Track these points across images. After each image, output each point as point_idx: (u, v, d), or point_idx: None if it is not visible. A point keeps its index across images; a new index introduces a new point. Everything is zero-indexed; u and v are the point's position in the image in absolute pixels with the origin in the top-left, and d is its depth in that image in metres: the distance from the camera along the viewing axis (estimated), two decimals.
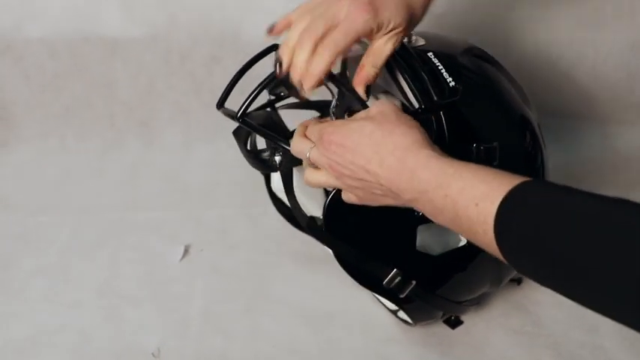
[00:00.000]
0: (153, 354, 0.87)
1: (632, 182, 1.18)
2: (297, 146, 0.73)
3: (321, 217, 0.77)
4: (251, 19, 1.22)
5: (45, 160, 1.26)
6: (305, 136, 0.73)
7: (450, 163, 0.62)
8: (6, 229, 1.11)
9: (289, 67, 0.71)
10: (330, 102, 0.78)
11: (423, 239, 0.78)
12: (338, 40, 0.69)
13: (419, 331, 0.90)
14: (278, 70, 0.75)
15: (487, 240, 0.57)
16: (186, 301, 0.95)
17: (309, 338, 0.89)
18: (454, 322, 0.90)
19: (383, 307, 0.93)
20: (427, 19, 1.18)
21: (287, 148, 0.74)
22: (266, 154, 0.83)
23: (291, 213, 0.96)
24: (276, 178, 0.92)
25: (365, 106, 0.72)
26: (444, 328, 0.90)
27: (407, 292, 0.78)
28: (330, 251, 0.82)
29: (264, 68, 0.90)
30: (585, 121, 1.27)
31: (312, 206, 0.94)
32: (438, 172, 0.62)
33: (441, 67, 0.77)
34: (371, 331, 0.90)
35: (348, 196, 0.72)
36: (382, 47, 0.72)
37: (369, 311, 0.93)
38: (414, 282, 0.78)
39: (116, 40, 1.23)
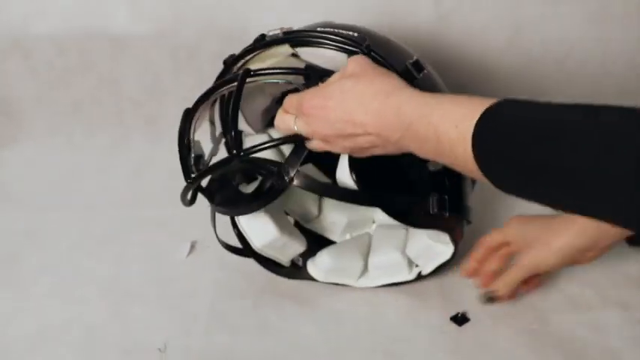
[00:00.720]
0: (159, 350, 0.87)
1: None
2: (282, 123, 0.76)
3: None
4: (258, 15, 1.22)
5: (52, 156, 1.27)
6: (286, 112, 0.76)
7: (431, 95, 0.67)
8: (14, 225, 1.11)
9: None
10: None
11: None
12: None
13: (426, 330, 0.89)
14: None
15: (467, 159, 0.61)
16: (193, 298, 0.95)
17: (316, 336, 0.89)
18: (461, 320, 0.90)
19: (392, 303, 0.94)
20: (434, 17, 1.18)
21: (292, 139, 0.77)
22: (270, 182, 0.83)
23: (280, 267, 0.96)
24: (254, 236, 0.91)
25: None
26: (452, 327, 0.90)
27: (447, 208, 0.84)
28: (327, 282, 0.95)
29: None
30: None
31: (296, 244, 0.94)
32: (421, 103, 0.66)
33: (337, 31, 0.85)
34: (379, 330, 0.90)
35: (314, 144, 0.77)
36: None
37: (377, 309, 0.93)
38: (446, 197, 0.84)
39: (123, 37, 1.23)
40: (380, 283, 0.96)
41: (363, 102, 0.68)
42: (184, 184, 1.14)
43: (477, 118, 0.60)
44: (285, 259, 0.94)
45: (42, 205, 1.16)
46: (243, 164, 0.81)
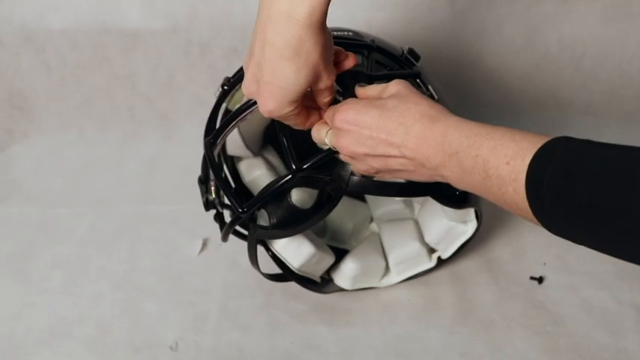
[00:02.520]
0: (171, 347, 0.87)
1: None
2: (316, 132, 0.72)
3: None
4: None
5: (64, 151, 1.27)
6: (324, 122, 0.72)
7: (480, 125, 0.62)
8: (25, 221, 1.11)
9: None
10: None
11: None
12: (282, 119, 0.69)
13: (439, 330, 0.89)
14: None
15: (518, 199, 0.56)
16: (205, 295, 0.95)
17: (327, 335, 0.89)
18: (540, 279, 0.96)
19: (404, 304, 0.93)
20: (450, 15, 1.17)
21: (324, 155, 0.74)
22: (326, 191, 0.80)
23: (315, 284, 0.94)
24: (292, 257, 0.89)
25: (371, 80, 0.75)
26: (463, 328, 0.89)
27: None
28: (355, 288, 0.95)
29: None
30: (610, 120, 1.25)
31: (328, 257, 0.93)
32: (469, 133, 0.61)
33: (350, 32, 0.86)
34: (390, 329, 0.90)
35: (359, 168, 0.71)
36: (319, 95, 0.70)
37: (388, 308, 0.93)
38: None
39: (137, 32, 1.22)
40: (402, 278, 0.95)
41: (404, 123, 0.64)
42: (195, 180, 1.13)
43: (530, 156, 0.55)
44: (317, 274, 0.94)
45: (54, 200, 1.16)
46: (298, 180, 0.76)
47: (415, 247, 0.94)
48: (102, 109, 1.28)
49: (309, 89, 0.67)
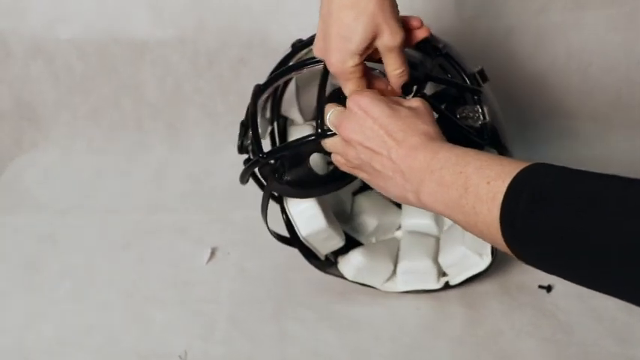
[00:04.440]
0: (179, 356, 0.87)
1: None
2: (328, 107, 0.74)
3: None
4: (278, 22, 1.22)
5: (73, 161, 1.27)
6: (335, 103, 0.74)
7: (473, 150, 0.63)
8: (35, 231, 1.11)
9: None
10: None
11: None
12: (343, 83, 0.74)
13: (447, 340, 0.89)
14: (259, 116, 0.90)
15: (490, 219, 0.56)
16: (213, 304, 0.95)
17: (336, 343, 0.89)
18: (548, 288, 0.95)
19: (412, 313, 0.93)
20: (457, 23, 1.18)
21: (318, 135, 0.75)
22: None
23: (320, 260, 0.95)
24: (301, 225, 0.90)
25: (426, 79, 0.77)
26: (473, 338, 0.89)
27: None
28: (355, 281, 0.95)
29: None
30: (616, 128, 1.25)
31: (338, 238, 0.93)
32: (460, 153, 0.62)
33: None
34: (398, 338, 0.89)
35: (337, 159, 0.75)
36: (387, 59, 0.73)
37: (397, 317, 0.93)
38: None
39: (144, 42, 1.23)
40: (405, 289, 0.95)
41: (405, 131, 0.66)
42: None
43: (511, 178, 0.55)
44: (323, 251, 0.94)
45: (62, 209, 1.16)
46: (318, 145, 0.77)
47: (426, 264, 0.94)
48: (110, 118, 1.28)
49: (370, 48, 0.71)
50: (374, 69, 0.77)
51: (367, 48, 0.70)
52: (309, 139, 0.77)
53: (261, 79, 0.89)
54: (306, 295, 0.95)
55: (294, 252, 1.02)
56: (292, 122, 0.96)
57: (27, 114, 1.28)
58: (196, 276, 1.01)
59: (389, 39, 0.70)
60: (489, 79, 0.87)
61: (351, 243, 0.98)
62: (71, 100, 1.27)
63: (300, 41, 0.91)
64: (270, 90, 0.88)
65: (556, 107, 1.25)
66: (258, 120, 0.90)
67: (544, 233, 0.51)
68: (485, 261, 0.90)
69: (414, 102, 0.71)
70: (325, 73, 0.77)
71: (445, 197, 0.61)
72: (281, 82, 0.88)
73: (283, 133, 0.95)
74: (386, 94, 0.74)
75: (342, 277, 0.95)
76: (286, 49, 0.91)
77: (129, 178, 1.23)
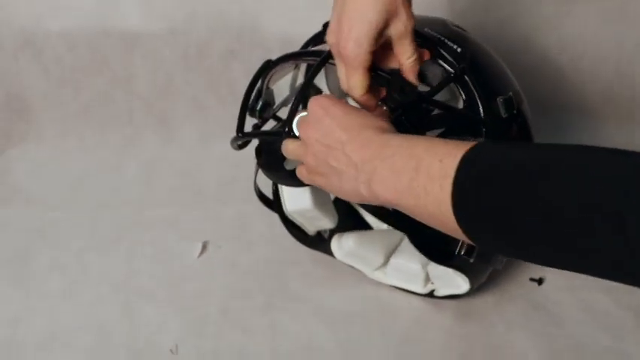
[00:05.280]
0: (171, 350, 0.87)
1: None
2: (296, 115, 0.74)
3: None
4: (269, 14, 1.21)
5: (63, 155, 1.26)
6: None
7: (423, 136, 0.63)
8: (24, 225, 1.11)
9: None
10: None
11: None
12: (350, 72, 0.73)
13: (438, 332, 0.89)
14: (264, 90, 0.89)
15: (442, 196, 0.55)
16: (205, 298, 0.95)
17: (328, 337, 0.89)
18: (539, 280, 0.96)
19: (404, 305, 0.93)
20: (449, 14, 1.17)
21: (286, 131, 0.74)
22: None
23: (304, 234, 0.95)
24: (288, 199, 0.92)
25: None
26: (464, 330, 0.89)
27: (474, 255, 0.80)
28: (344, 262, 0.94)
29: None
30: (608, 122, 1.26)
31: (326, 220, 0.93)
32: (411, 138, 0.63)
33: (443, 37, 0.80)
34: (390, 331, 0.90)
35: (299, 170, 0.74)
36: (399, 45, 0.73)
37: (389, 310, 0.93)
38: None
39: (135, 35, 1.22)
40: (392, 284, 0.95)
41: (362, 125, 0.66)
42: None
43: (462, 154, 0.54)
44: (311, 229, 0.95)
45: (53, 204, 1.15)
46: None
47: (416, 267, 0.93)
48: (100, 112, 1.28)
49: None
50: None
51: (381, 35, 0.71)
52: (275, 131, 0.79)
53: (252, 71, 0.89)
54: (298, 288, 0.95)
55: (286, 246, 1.02)
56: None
57: (16, 107, 1.27)
58: (188, 270, 1.00)
59: (403, 23, 0.71)
60: (523, 111, 0.81)
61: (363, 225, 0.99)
62: (61, 93, 1.26)
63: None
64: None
65: (548, 100, 1.25)
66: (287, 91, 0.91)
67: (494, 210, 0.51)
68: (465, 287, 0.89)
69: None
70: (315, 70, 0.77)
71: (396, 183, 0.60)
72: (290, 63, 0.87)
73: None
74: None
75: (330, 254, 0.96)
76: (319, 29, 0.90)
77: (119, 172, 1.23)
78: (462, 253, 0.80)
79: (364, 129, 0.66)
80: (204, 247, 1.04)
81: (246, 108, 0.87)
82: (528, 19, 1.19)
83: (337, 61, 0.75)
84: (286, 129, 0.74)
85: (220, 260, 1.02)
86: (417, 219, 0.61)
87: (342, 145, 0.66)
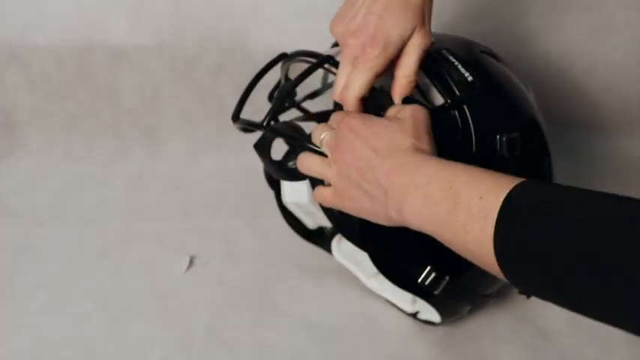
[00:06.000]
0: None
1: None
2: (316, 132, 0.72)
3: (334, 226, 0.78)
4: (257, 28, 1.21)
5: (49, 168, 1.26)
6: (328, 125, 0.72)
7: (460, 163, 0.61)
8: (10, 239, 1.10)
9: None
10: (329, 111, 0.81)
11: None
12: (360, 73, 0.70)
13: (426, 346, 0.88)
14: (283, 80, 0.85)
15: (483, 237, 0.53)
16: (191, 314, 0.94)
17: (315, 353, 0.88)
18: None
19: (392, 320, 0.92)
20: (437, 28, 1.17)
21: (317, 148, 0.73)
22: (292, 163, 0.81)
23: (302, 227, 0.96)
24: (287, 190, 0.91)
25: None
26: (452, 344, 0.89)
27: (440, 288, 0.77)
28: (341, 263, 0.92)
29: (272, 76, 0.89)
30: (596, 132, 1.26)
31: (324, 217, 0.93)
32: (447, 166, 0.60)
33: (456, 63, 0.77)
34: (378, 346, 0.89)
35: (321, 192, 0.72)
36: (407, 58, 0.71)
37: (377, 325, 0.92)
38: (447, 277, 0.77)
39: (122, 49, 1.22)
40: (385, 296, 0.94)
41: (392, 147, 0.65)
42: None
43: (504, 194, 0.52)
44: (308, 224, 0.95)
45: (39, 218, 1.14)
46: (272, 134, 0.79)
47: None
48: (87, 125, 1.27)
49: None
50: None
51: (407, 42, 0.70)
52: (299, 140, 0.75)
53: (241, 86, 0.88)
54: (286, 305, 0.94)
55: (274, 261, 1.02)
56: None
57: (2, 121, 1.26)
58: (174, 285, 0.99)
59: (420, 37, 0.70)
60: (518, 150, 0.76)
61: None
62: (47, 107, 1.26)
63: None
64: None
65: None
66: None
67: (539, 258, 0.49)
68: (437, 318, 0.87)
69: (407, 111, 0.69)
70: (307, 72, 0.76)
71: (432, 214, 0.59)
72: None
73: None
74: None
75: (329, 251, 0.97)
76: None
77: (106, 186, 1.22)
78: (426, 283, 0.77)
79: (394, 151, 0.64)
80: (191, 261, 1.04)
81: (248, 94, 0.83)
82: (515, 32, 1.19)
83: (346, 62, 0.71)
84: (306, 143, 0.73)
85: (207, 275, 1.01)
86: (455, 251, 0.59)
87: (373, 168, 0.65)
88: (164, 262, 1.04)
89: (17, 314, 0.95)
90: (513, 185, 0.53)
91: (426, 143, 0.66)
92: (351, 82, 0.70)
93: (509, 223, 0.51)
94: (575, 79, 1.23)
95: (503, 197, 0.52)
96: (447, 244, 0.59)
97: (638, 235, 0.45)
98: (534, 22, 1.20)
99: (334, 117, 0.72)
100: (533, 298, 0.93)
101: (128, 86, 1.25)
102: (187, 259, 1.03)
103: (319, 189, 0.73)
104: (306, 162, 0.73)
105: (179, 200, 1.18)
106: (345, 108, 0.73)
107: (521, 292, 0.95)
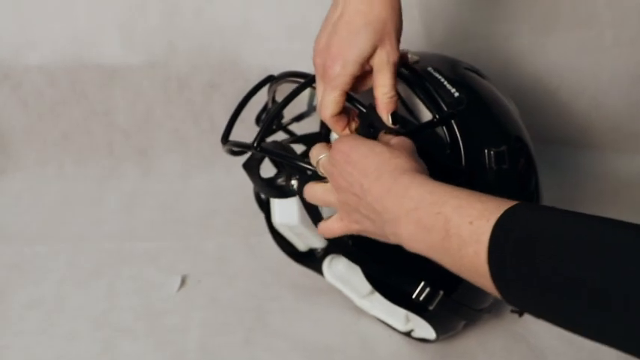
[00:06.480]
0: None
1: (632, 211, 1.17)
2: (314, 151, 0.73)
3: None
4: (250, 47, 1.22)
5: (42, 188, 1.26)
6: (327, 146, 0.73)
7: (446, 185, 0.61)
8: (1, 259, 1.09)
9: None
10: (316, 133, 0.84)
11: None
12: (328, 91, 0.72)
13: None
14: (270, 104, 0.87)
15: (478, 262, 0.53)
16: (183, 334, 0.94)
17: None
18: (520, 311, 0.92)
19: (384, 339, 0.92)
20: (427, 45, 1.19)
21: (309, 167, 0.73)
22: (281, 180, 0.82)
23: (293, 249, 0.96)
24: (277, 211, 0.91)
25: (387, 127, 0.73)
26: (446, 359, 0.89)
27: (435, 303, 0.78)
28: (333, 284, 0.92)
29: (261, 98, 0.90)
30: (585, 150, 1.27)
31: (315, 238, 0.93)
32: (433, 189, 0.60)
33: (442, 79, 0.79)
34: None
35: (326, 226, 0.73)
36: (381, 77, 0.72)
37: (370, 344, 0.92)
38: (441, 292, 0.78)
39: (114, 68, 1.23)
40: (377, 315, 0.94)
41: (379, 169, 0.65)
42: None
43: (495, 218, 0.52)
44: (301, 246, 0.95)
45: (31, 237, 1.14)
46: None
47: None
48: (80, 145, 1.27)
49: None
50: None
51: (367, 59, 0.70)
52: (245, 145, 0.77)
53: (233, 104, 0.89)
54: (278, 324, 0.94)
55: (266, 280, 1.02)
56: None
57: None
58: (167, 305, 0.99)
59: (386, 54, 0.70)
60: (506, 163, 0.77)
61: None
62: (40, 126, 1.26)
63: None
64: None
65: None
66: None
67: (536, 276, 0.49)
68: (433, 334, 0.87)
69: (395, 139, 0.71)
70: (295, 92, 0.78)
71: (427, 240, 0.59)
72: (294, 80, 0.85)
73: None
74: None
75: (320, 273, 0.97)
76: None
77: (99, 205, 1.22)
78: (421, 299, 0.77)
79: (381, 174, 0.64)
80: (184, 281, 1.04)
81: (236, 117, 0.85)
82: (504, 51, 1.20)
83: (319, 81, 0.74)
84: (296, 161, 0.75)
85: (200, 294, 1.01)
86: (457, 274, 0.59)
87: (365, 193, 0.65)
88: (157, 281, 1.04)
89: (9, 334, 0.94)
90: (503, 210, 0.53)
91: (407, 159, 0.66)
92: (322, 101, 0.73)
93: (501, 248, 0.52)
94: (565, 97, 1.23)
95: (494, 222, 0.53)
96: (448, 267, 0.59)
97: (625, 258, 0.45)
98: (523, 41, 1.21)
99: (334, 139, 0.73)
100: (526, 316, 0.95)
101: (121, 105, 1.25)
102: (179, 279, 1.03)
103: (323, 224, 0.74)
104: (310, 191, 0.74)
105: (172, 219, 1.18)
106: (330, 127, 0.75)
107: (513, 311, 0.96)
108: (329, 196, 0.71)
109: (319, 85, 0.74)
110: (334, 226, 0.72)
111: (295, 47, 1.16)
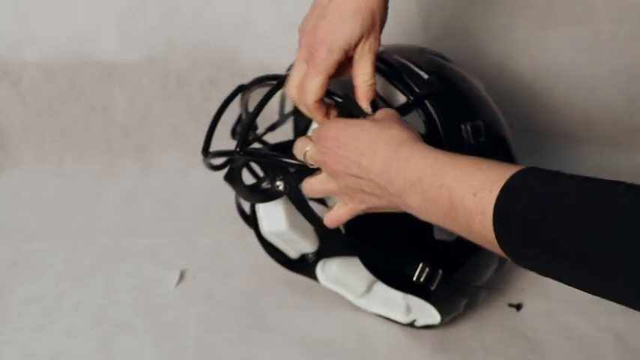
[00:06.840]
0: None
1: None
2: (298, 146, 0.73)
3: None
4: (248, 43, 1.22)
5: (41, 184, 1.26)
6: (309, 139, 0.73)
7: (446, 153, 0.62)
8: (0, 255, 1.09)
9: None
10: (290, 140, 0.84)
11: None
12: (312, 75, 0.72)
13: (418, 359, 0.88)
14: (244, 115, 0.89)
15: (485, 232, 0.55)
16: (181, 330, 0.94)
17: None
18: (517, 306, 0.94)
19: (382, 332, 0.92)
20: (424, 41, 1.19)
21: (297, 162, 0.73)
22: (265, 184, 0.81)
23: (285, 257, 0.95)
24: (265, 220, 0.91)
25: (366, 115, 0.73)
26: (443, 356, 0.89)
27: (436, 283, 0.79)
28: (328, 287, 0.93)
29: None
30: (583, 145, 1.27)
31: (305, 243, 0.93)
32: (434, 161, 0.61)
33: (411, 65, 0.82)
34: (369, 359, 0.89)
35: (332, 214, 0.73)
36: (361, 65, 0.73)
37: (367, 339, 0.92)
38: (440, 271, 0.78)
39: (113, 64, 1.23)
40: (376, 312, 0.95)
41: (374, 144, 0.65)
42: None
43: (498, 188, 0.54)
44: (292, 253, 0.95)
45: (29, 233, 1.14)
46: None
47: (396, 295, 0.91)
48: (78, 141, 1.27)
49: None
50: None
51: (353, 47, 0.71)
52: (294, 165, 0.75)
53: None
54: (276, 319, 0.94)
55: (263, 276, 1.02)
56: None
57: None
58: (165, 300, 0.99)
59: (370, 43, 0.71)
60: (483, 136, 0.81)
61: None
62: (39, 122, 1.26)
63: None
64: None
65: (523, 125, 1.26)
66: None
67: (543, 244, 0.51)
68: (439, 318, 0.88)
69: (381, 113, 0.71)
70: (270, 93, 0.78)
71: (434, 210, 0.60)
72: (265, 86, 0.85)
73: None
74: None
75: (315, 279, 0.96)
76: None
77: (98, 202, 1.22)
78: (421, 280, 0.78)
79: (377, 149, 0.65)
80: (182, 276, 1.04)
81: (213, 130, 0.86)
82: (502, 46, 1.20)
83: (300, 63, 0.73)
84: (282, 158, 0.74)
85: (197, 290, 1.01)
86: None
87: (365, 172, 0.65)
88: (155, 277, 1.04)
89: (7, 331, 0.95)
90: (504, 179, 0.54)
91: (400, 129, 0.67)
92: (305, 87, 0.72)
93: (506, 217, 0.53)
94: (563, 93, 1.23)
95: (497, 193, 0.54)
96: (458, 233, 0.61)
97: (626, 213, 0.46)
98: (521, 36, 1.20)
99: (314, 132, 0.73)
100: (524, 310, 0.95)
101: (119, 102, 1.25)
102: (177, 274, 1.03)
103: (328, 215, 0.74)
104: (308, 186, 0.74)
105: (170, 215, 1.18)
106: (307, 114, 0.75)
107: (511, 305, 0.96)
108: (328, 184, 0.71)
109: (301, 67, 0.73)
110: (339, 212, 0.72)
111: (293, 43, 1.15)
